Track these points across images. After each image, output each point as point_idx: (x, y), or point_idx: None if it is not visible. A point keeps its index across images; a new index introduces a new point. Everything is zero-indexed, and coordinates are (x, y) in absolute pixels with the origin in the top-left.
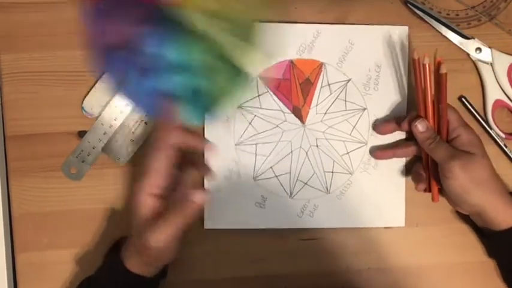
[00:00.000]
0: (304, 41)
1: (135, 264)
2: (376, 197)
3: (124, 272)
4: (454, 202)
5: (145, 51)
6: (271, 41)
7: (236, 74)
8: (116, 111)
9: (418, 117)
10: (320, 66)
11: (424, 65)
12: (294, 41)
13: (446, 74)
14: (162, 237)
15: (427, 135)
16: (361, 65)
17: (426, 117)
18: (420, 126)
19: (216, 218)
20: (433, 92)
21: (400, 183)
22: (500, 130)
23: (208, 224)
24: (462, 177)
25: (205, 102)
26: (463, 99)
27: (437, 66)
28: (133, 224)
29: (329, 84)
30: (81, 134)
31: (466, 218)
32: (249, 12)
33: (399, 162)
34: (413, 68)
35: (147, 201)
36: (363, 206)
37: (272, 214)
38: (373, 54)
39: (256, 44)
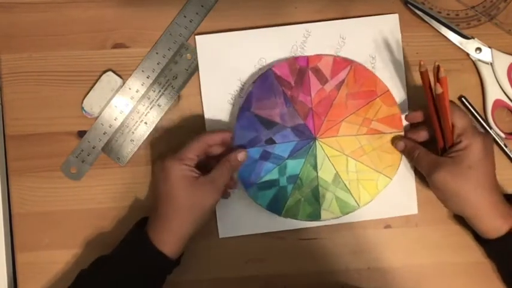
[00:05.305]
0: (295, 42)
1: (162, 240)
2: (388, 187)
3: (149, 247)
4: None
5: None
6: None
7: (315, 208)
8: (116, 111)
9: (397, 137)
10: None
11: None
12: (285, 43)
13: (446, 77)
14: (215, 196)
15: (406, 153)
16: (355, 58)
17: (440, 124)
18: (398, 147)
19: (229, 226)
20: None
21: (410, 170)
22: (500, 130)
23: (222, 233)
24: (442, 188)
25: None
26: (463, 99)
27: (437, 70)
28: (166, 195)
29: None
30: (81, 134)
31: (463, 219)
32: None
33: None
34: (422, 80)
35: (183, 167)
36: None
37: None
38: (366, 46)
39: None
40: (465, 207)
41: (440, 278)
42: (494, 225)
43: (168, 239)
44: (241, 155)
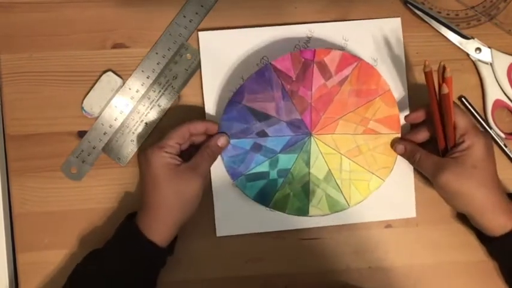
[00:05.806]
0: (298, 42)
1: (151, 229)
2: (386, 190)
3: (139, 237)
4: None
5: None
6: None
7: (303, 204)
8: (116, 111)
9: (396, 140)
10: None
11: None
12: (288, 42)
13: (451, 77)
14: (199, 182)
15: (407, 156)
16: None
17: (442, 125)
18: (398, 151)
19: (227, 225)
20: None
21: (409, 173)
22: (500, 130)
23: (220, 232)
24: (447, 189)
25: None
26: (463, 99)
27: (442, 70)
28: (150, 184)
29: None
30: (81, 134)
31: (465, 219)
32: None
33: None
34: (426, 81)
35: (164, 155)
36: (373, 199)
37: (284, 216)
38: (368, 48)
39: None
40: (470, 206)
41: (441, 277)
42: (498, 223)
43: (157, 228)
44: (221, 140)
